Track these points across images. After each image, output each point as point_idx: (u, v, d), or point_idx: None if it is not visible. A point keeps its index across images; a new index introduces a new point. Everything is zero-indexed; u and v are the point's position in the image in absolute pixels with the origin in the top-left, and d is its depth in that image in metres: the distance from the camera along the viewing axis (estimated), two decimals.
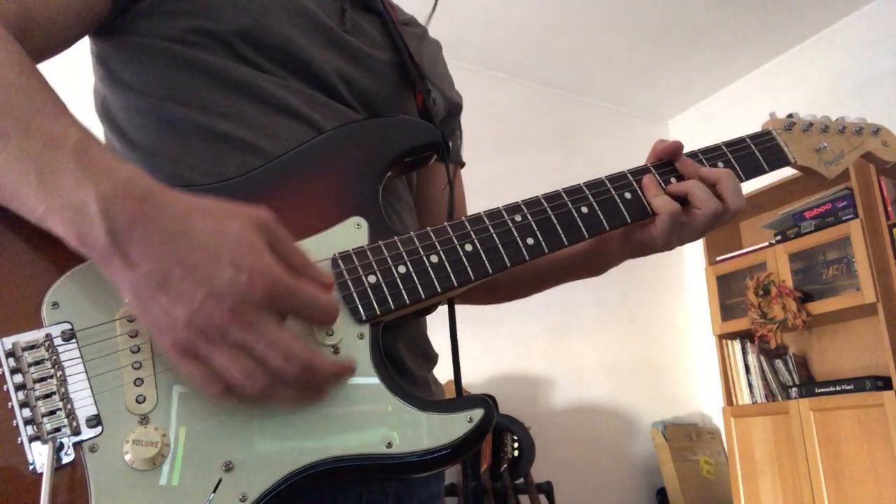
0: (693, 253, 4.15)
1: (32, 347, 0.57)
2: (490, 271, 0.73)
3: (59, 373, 0.57)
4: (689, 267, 4.38)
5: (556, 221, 0.77)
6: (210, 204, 0.58)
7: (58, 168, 0.54)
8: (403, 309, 0.69)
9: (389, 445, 0.62)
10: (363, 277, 0.68)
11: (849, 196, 3.08)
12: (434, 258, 0.71)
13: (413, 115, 0.91)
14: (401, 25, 0.95)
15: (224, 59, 0.77)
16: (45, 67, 0.68)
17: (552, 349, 3.73)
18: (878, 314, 2.92)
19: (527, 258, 0.75)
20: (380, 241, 0.70)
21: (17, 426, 0.55)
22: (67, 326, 0.58)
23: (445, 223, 0.74)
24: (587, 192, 0.80)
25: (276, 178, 0.72)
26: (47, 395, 0.56)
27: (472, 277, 0.72)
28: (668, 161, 0.86)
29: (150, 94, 0.78)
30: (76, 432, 0.55)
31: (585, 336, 3.87)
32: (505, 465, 3.04)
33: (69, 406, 0.56)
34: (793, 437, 3.11)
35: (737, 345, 3.51)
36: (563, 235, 0.77)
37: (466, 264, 0.72)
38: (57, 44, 0.73)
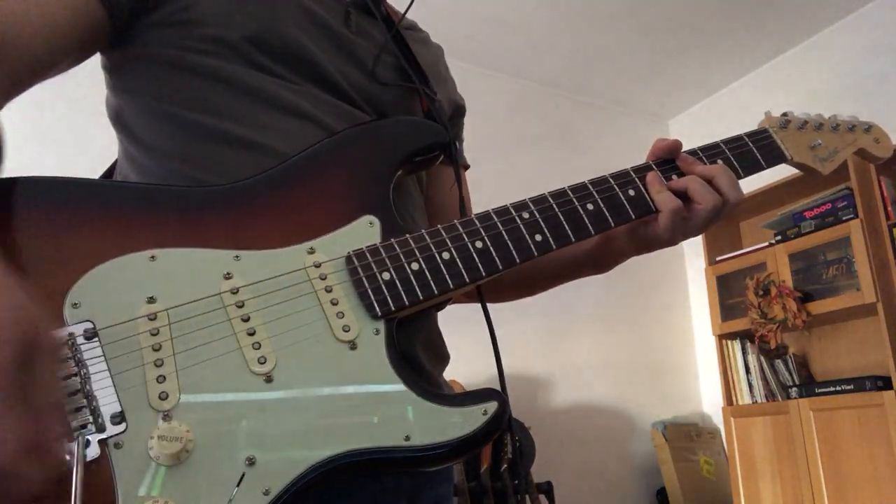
0: (693, 253, 4.16)
1: None
2: (500, 267, 0.74)
3: (82, 371, 0.57)
4: (689, 267, 4.39)
5: (562, 218, 0.79)
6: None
7: None
8: (417, 305, 0.70)
9: (408, 438, 0.63)
10: (377, 274, 0.69)
11: (849, 196, 3.09)
12: (446, 255, 0.72)
13: (419, 115, 0.92)
14: (404, 30, 0.96)
15: (234, 65, 0.79)
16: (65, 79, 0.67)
17: (552, 349, 3.73)
18: (878, 314, 2.93)
19: (535, 254, 0.76)
20: (392, 239, 0.72)
21: None
22: (89, 325, 0.59)
23: (455, 221, 0.76)
24: (592, 189, 0.82)
25: (290, 178, 0.73)
26: (72, 393, 0.56)
27: (483, 273, 0.73)
28: (669, 159, 0.88)
29: (163, 100, 0.79)
30: (101, 429, 0.56)
31: (585, 336, 3.88)
32: (505, 465, 3.05)
33: (94, 403, 0.56)
34: (793, 437, 3.12)
35: (737, 345, 3.52)
36: (570, 232, 0.79)
37: (477, 261, 0.73)
38: (42, 66, 0.71)
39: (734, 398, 3.49)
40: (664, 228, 0.83)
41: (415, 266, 0.70)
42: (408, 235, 0.73)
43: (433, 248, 0.72)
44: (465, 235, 0.74)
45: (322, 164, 0.75)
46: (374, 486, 0.74)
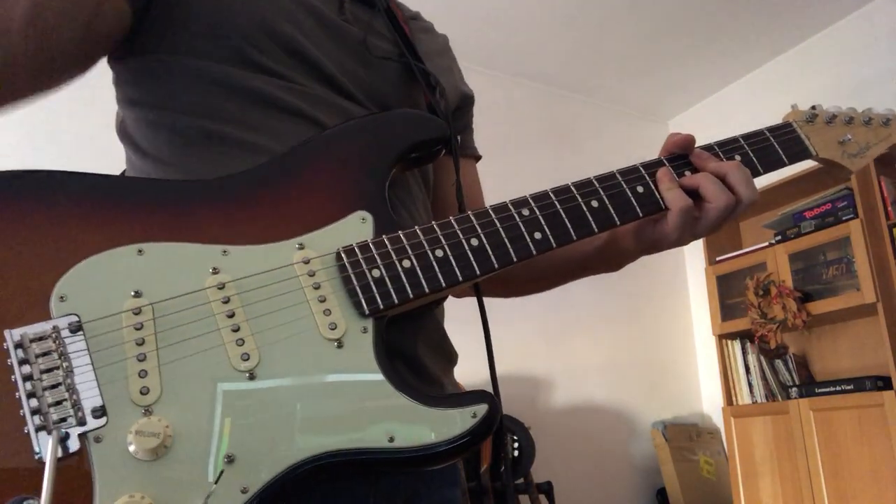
0: (693, 253, 4.16)
1: (40, 339, 0.57)
2: (496, 266, 0.72)
3: (65, 364, 0.57)
4: (689, 267, 4.38)
5: (564, 216, 0.76)
6: None
7: None
8: (408, 303, 0.69)
9: (392, 440, 0.61)
10: (367, 272, 0.68)
11: (849, 196, 3.09)
12: (439, 252, 0.71)
13: (421, 107, 0.90)
14: (405, 19, 0.95)
15: (227, 64, 0.78)
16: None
17: (552, 349, 3.73)
18: (878, 314, 2.92)
19: (534, 253, 0.74)
20: (384, 236, 0.70)
21: (24, 416, 0.55)
22: (74, 318, 0.58)
23: (451, 217, 0.74)
24: (597, 185, 0.79)
25: (282, 172, 0.72)
26: (53, 386, 0.56)
27: (478, 272, 0.71)
28: (682, 154, 0.84)
29: (160, 107, 0.79)
30: (81, 422, 0.55)
31: (585, 336, 3.87)
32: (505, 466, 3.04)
33: (75, 397, 0.56)
34: (793, 437, 3.11)
35: (737, 345, 3.51)
36: (571, 230, 0.76)
37: (472, 259, 0.71)
38: (83, 56, 0.73)
39: (734, 398, 3.48)
40: (673, 228, 0.79)
41: (406, 264, 0.69)
42: (400, 232, 0.71)
43: (426, 245, 0.70)
44: (459, 233, 0.72)
45: (315, 159, 0.73)
46: (367, 489, 0.72)
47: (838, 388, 3.02)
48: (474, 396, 0.65)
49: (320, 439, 0.60)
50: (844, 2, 3.57)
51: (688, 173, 0.82)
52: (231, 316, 0.62)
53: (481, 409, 0.64)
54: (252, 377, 0.60)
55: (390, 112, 0.83)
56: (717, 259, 3.68)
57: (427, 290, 0.69)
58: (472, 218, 0.74)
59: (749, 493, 3.28)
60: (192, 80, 0.78)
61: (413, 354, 0.77)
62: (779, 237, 3.37)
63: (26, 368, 0.56)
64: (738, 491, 3.32)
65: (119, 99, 0.85)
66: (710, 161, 0.82)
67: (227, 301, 0.62)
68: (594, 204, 0.78)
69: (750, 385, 3.42)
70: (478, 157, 1.07)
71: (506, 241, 0.73)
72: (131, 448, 0.55)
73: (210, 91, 0.77)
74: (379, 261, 0.68)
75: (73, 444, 0.54)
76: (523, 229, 0.74)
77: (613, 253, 0.90)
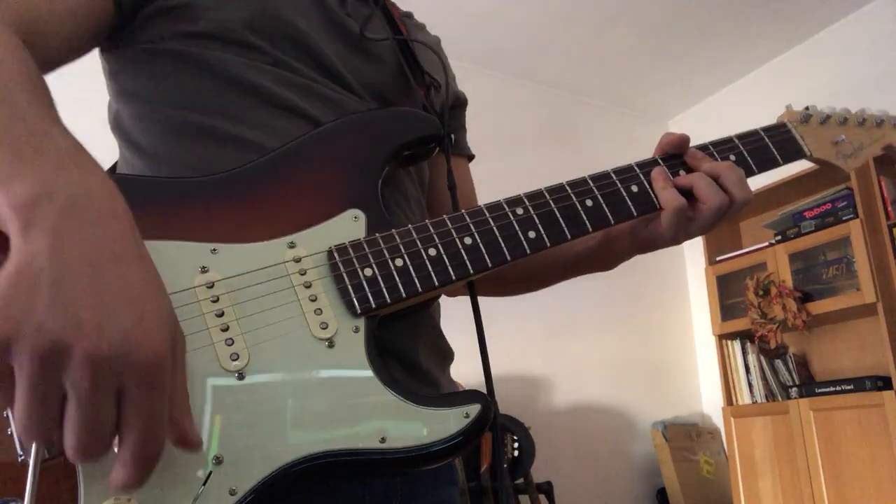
0: (693, 253, 4.15)
1: None
2: (490, 265, 0.72)
3: None
4: (689, 267, 4.37)
5: (559, 215, 0.76)
6: (156, 274, 0.52)
7: (43, 153, 0.50)
8: (400, 302, 0.68)
9: (383, 440, 0.61)
10: (359, 270, 0.67)
11: (849, 196, 3.08)
12: (432, 251, 0.70)
13: (417, 103, 0.90)
14: (400, 17, 0.95)
15: (227, 55, 0.77)
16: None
17: (552, 349, 3.72)
18: (878, 314, 2.91)
19: (528, 252, 0.74)
20: (377, 234, 0.70)
21: (8, 417, 0.54)
22: None
23: (445, 216, 0.73)
24: (592, 184, 0.79)
25: (272, 170, 0.71)
26: None
27: (471, 271, 0.71)
28: (677, 154, 0.84)
29: (154, 101, 0.78)
30: None
31: (585, 336, 3.87)
32: (505, 465, 3.04)
33: None
34: (793, 437, 3.10)
35: (737, 345, 3.51)
36: (566, 229, 0.76)
37: (465, 258, 0.71)
38: (63, 55, 0.73)
39: (734, 398, 3.47)
40: (667, 227, 0.80)
41: (399, 262, 0.68)
42: (393, 230, 0.70)
43: (419, 243, 0.70)
44: (453, 231, 0.72)
45: (307, 156, 0.73)
46: (363, 490, 0.72)
47: (838, 388, 3.01)
48: (467, 396, 0.65)
49: (311, 440, 0.59)
50: (844, 2, 3.57)
51: (682, 173, 0.82)
52: (220, 315, 0.61)
53: (474, 408, 0.64)
54: (241, 377, 0.60)
55: (383, 109, 0.83)
56: (717, 259, 3.67)
57: (420, 289, 0.68)
58: (466, 216, 0.73)
59: (749, 493, 3.27)
60: (189, 72, 0.77)
61: (407, 353, 0.76)
62: (779, 237, 3.37)
63: None
64: (738, 491, 3.32)
65: (112, 91, 0.84)
66: (705, 161, 0.82)
67: (216, 300, 0.62)
68: (588, 203, 0.78)
69: (750, 385, 3.41)
70: (471, 157, 1.07)
71: (500, 239, 0.73)
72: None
73: (205, 85, 0.77)
74: (371, 259, 0.68)
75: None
76: (517, 228, 0.74)
77: (607, 252, 0.90)
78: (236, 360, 0.60)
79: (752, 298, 3.34)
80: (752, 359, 3.43)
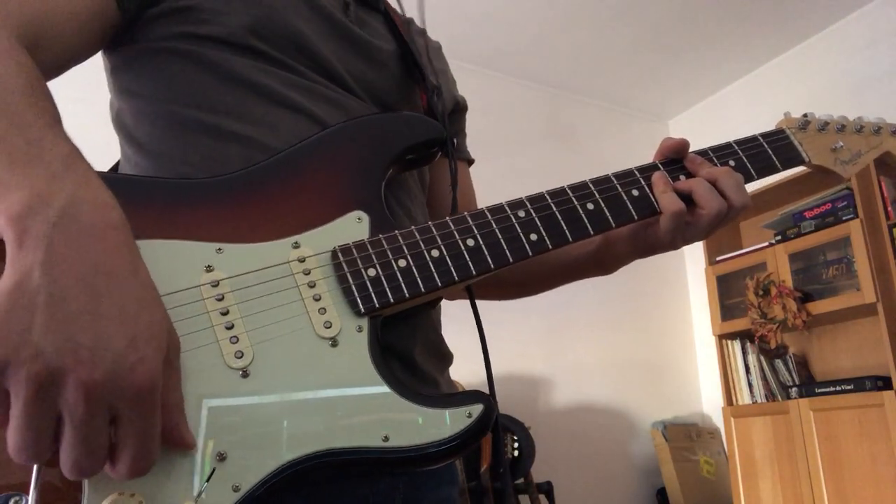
0: (693, 253, 4.15)
1: None
2: (492, 266, 0.72)
3: None
4: (689, 267, 4.38)
5: (560, 218, 0.77)
6: (150, 286, 0.53)
7: (38, 162, 0.51)
8: (404, 303, 0.69)
9: (386, 439, 0.61)
10: (362, 270, 0.68)
11: (849, 196, 3.08)
12: (435, 252, 0.71)
13: (418, 108, 0.91)
14: (401, 23, 0.96)
15: (231, 55, 0.78)
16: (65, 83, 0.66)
17: (552, 349, 3.73)
18: (878, 314, 2.92)
19: (530, 254, 0.74)
20: (380, 235, 0.70)
21: None
22: None
23: (448, 218, 0.74)
24: (593, 188, 0.80)
25: (277, 172, 0.72)
26: None
27: (474, 272, 0.71)
28: (676, 159, 0.85)
29: (158, 99, 0.79)
30: None
31: (585, 336, 3.87)
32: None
33: None
34: (793, 437, 3.11)
35: (737, 345, 3.51)
36: (567, 232, 0.76)
37: (468, 259, 0.72)
38: (68, 58, 0.73)
39: (734, 398, 3.48)
40: (665, 231, 0.80)
41: (402, 263, 0.69)
42: (397, 232, 0.71)
43: (422, 245, 0.71)
44: (456, 233, 0.72)
45: (312, 158, 0.73)
46: (366, 489, 0.72)
47: (838, 388, 3.02)
48: (470, 396, 0.65)
49: (313, 438, 0.60)
50: (844, 2, 3.57)
51: (682, 177, 0.83)
52: (225, 313, 0.62)
53: (476, 408, 0.64)
54: (246, 375, 0.60)
55: (388, 113, 0.83)
56: (717, 259, 3.68)
57: (423, 289, 0.69)
58: (469, 218, 0.74)
59: (749, 493, 3.28)
60: (193, 70, 0.77)
61: (408, 354, 0.77)
62: (779, 237, 3.37)
63: None
64: (738, 491, 3.32)
65: (115, 89, 0.84)
66: (704, 166, 0.83)
67: (220, 298, 0.62)
68: (590, 206, 0.79)
69: (750, 385, 3.42)
70: (471, 161, 1.08)
71: (502, 241, 0.74)
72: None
73: (210, 83, 0.77)
74: (375, 260, 0.69)
75: None
76: (519, 230, 0.75)
77: (607, 256, 0.91)
78: (240, 357, 0.61)
79: (752, 298, 3.34)
80: (752, 359, 3.43)
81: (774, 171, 0.88)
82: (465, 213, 0.75)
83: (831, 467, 2.94)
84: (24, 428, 0.46)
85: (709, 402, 4.14)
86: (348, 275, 0.67)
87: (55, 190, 0.49)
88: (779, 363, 3.42)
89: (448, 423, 0.63)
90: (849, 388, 2.97)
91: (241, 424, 0.59)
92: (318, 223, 0.70)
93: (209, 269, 0.63)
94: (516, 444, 3.10)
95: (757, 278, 3.35)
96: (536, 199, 0.77)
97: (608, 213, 0.79)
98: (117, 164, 0.85)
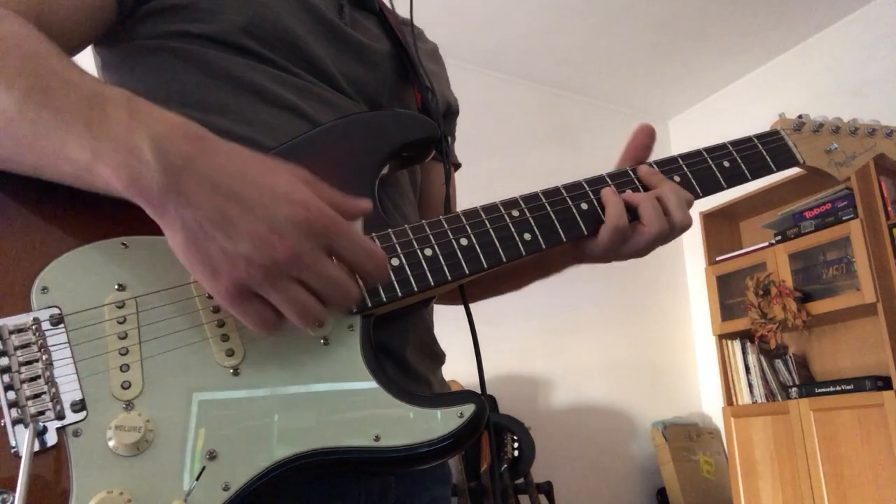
0: (693, 253, 4.15)
1: (20, 331, 0.57)
2: (485, 266, 0.72)
3: (45, 356, 0.56)
4: (689, 267, 4.37)
5: (554, 217, 0.77)
6: (256, 153, 0.60)
7: (106, 116, 0.55)
8: (396, 301, 0.68)
9: (377, 438, 0.61)
10: None
11: (849, 196, 3.08)
12: (428, 251, 0.71)
13: (412, 108, 0.91)
14: (397, 24, 0.96)
15: (224, 54, 0.78)
16: None
17: (552, 349, 3.72)
18: (878, 314, 2.91)
19: (523, 254, 0.74)
20: (373, 234, 0.70)
21: (1, 409, 0.54)
22: (56, 311, 0.58)
23: (441, 217, 0.74)
24: (588, 188, 0.80)
25: None
26: (32, 379, 0.55)
27: (467, 271, 0.71)
28: (631, 169, 0.84)
29: (149, 96, 0.78)
30: (60, 416, 0.55)
31: (585, 336, 3.87)
32: (505, 465, 3.04)
33: (54, 390, 0.56)
34: (793, 437, 3.10)
35: (737, 345, 3.51)
36: (561, 231, 0.76)
37: (461, 258, 0.71)
38: (64, 48, 0.73)
39: (734, 398, 3.48)
40: (600, 243, 0.78)
41: (395, 261, 0.69)
42: (390, 230, 0.71)
43: (416, 243, 0.70)
44: (449, 232, 0.72)
45: (305, 156, 0.73)
46: (358, 489, 0.72)
47: (838, 388, 3.01)
48: (462, 396, 0.65)
49: (304, 437, 0.60)
50: (844, 2, 3.57)
51: (629, 191, 0.82)
52: (216, 311, 0.62)
53: (468, 408, 0.64)
54: (236, 373, 0.60)
55: (382, 111, 0.83)
56: (717, 259, 3.67)
57: (416, 288, 0.69)
58: (462, 217, 0.74)
59: (749, 493, 3.27)
60: (185, 68, 0.77)
61: (401, 354, 0.77)
62: (779, 237, 3.37)
63: (4, 360, 0.56)
64: (738, 491, 3.32)
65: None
66: (654, 178, 0.82)
67: (210, 296, 0.62)
68: (584, 206, 0.79)
69: (750, 385, 3.41)
70: (457, 166, 1.08)
71: (495, 240, 0.74)
72: (111, 443, 0.55)
73: (203, 81, 0.77)
74: None
75: (51, 438, 0.54)
76: (513, 230, 0.75)
77: (544, 257, 0.90)
78: (231, 355, 0.61)
79: (752, 298, 3.34)
80: (752, 359, 3.43)
81: (769, 172, 0.88)
82: (459, 211, 0.75)
83: (831, 467, 2.94)
84: (292, 310, 0.56)
85: (709, 402, 4.13)
86: None
87: (137, 141, 0.54)
88: (779, 363, 3.41)
89: (439, 423, 0.63)
90: (849, 388, 2.97)
91: (233, 421, 0.59)
92: None
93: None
94: (516, 444, 3.10)
95: (757, 278, 3.35)
96: (530, 199, 0.77)
97: (603, 215, 0.79)
98: None
